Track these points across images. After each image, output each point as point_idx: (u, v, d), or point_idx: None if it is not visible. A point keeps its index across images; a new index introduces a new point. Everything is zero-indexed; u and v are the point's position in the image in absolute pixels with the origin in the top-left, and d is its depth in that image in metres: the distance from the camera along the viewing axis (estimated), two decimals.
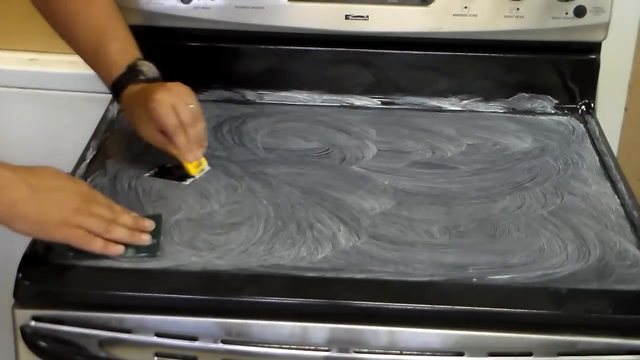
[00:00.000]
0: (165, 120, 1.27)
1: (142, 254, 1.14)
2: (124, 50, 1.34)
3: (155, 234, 1.18)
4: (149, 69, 1.34)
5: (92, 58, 1.35)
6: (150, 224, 1.19)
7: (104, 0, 1.37)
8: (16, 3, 1.66)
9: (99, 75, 1.36)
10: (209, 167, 1.33)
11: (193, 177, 1.31)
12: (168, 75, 1.47)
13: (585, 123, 1.52)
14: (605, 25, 1.52)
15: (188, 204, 1.26)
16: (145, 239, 1.16)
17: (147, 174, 1.32)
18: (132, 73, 1.32)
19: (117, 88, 1.33)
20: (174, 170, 1.33)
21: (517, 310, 1.10)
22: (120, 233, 1.15)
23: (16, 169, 1.12)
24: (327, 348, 1.10)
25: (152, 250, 1.15)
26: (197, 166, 1.32)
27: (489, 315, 1.10)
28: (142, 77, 1.32)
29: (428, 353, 1.10)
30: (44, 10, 1.38)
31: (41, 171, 1.13)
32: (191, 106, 1.29)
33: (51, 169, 1.14)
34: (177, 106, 1.27)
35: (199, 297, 1.11)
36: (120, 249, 1.14)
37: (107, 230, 1.14)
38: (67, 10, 1.36)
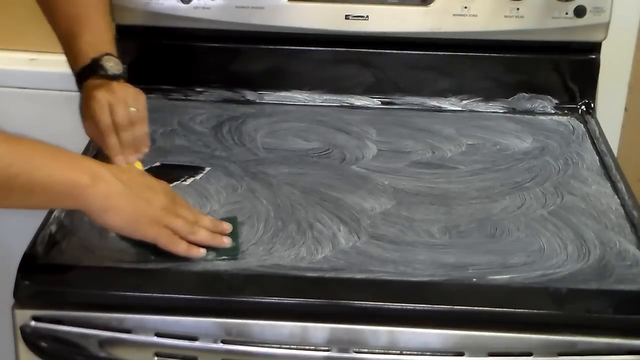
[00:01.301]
0: (99, 118, 1.26)
1: (224, 257, 1.14)
2: (93, 43, 1.32)
3: (233, 236, 1.17)
4: (114, 65, 1.31)
5: (65, 46, 1.35)
6: (228, 227, 1.18)
7: None
8: (16, 3, 1.66)
9: (69, 65, 1.35)
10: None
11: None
12: (168, 75, 1.47)
13: (585, 123, 1.52)
14: (605, 25, 1.52)
15: (188, 204, 1.26)
16: (227, 242, 1.16)
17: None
18: (94, 67, 1.30)
19: (79, 79, 1.32)
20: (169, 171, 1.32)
21: (517, 310, 1.10)
22: (203, 236, 1.15)
23: (105, 164, 1.12)
24: (327, 348, 1.10)
25: (233, 253, 1.15)
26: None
27: (489, 315, 1.10)
28: (102, 73, 1.30)
29: (428, 353, 1.10)
30: (41, 2, 1.38)
31: (127, 169, 1.14)
32: (132, 109, 1.27)
33: (135, 168, 1.14)
34: (114, 106, 1.26)
35: (199, 297, 1.11)
36: (202, 251, 1.14)
37: (191, 232, 1.14)
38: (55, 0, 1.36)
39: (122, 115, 1.27)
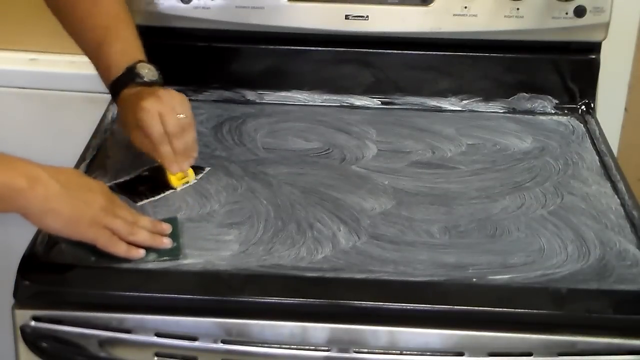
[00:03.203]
0: (151, 130, 1.25)
1: (165, 258, 1.14)
2: (125, 51, 1.32)
3: (174, 237, 1.17)
4: (149, 71, 1.32)
5: (94, 58, 1.35)
6: (168, 227, 1.18)
7: (111, 1, 1.36)
8: (16, 3, 1.66)
9: (100, 75, 1.35)
10: (196, 180, 1.31)
11: (174, 189, 1.29)
12: (168, 75, 1.47)
13: (585, 123, 1.52)
14: (605, 25, 1.52)
15: (188, 204, 1.26)
16: (167, 243, 1.16)
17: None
18: (129, 75, 1.31)
19: (114, 89, 1.32)
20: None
21: (517, 310, 1.10)
22: (142, 236, 1.15)
23: (42, 165, 1.10)
24: (327, 348, 1.10)
25: (174, 254, 1.15)
26: (180, 178, 1.30)
27: (489, 315, 1.10)
28: (139, 80, 1.30)
29: (428, 353, 1.10)
30: (55, 10, 1.38)
31: (64, 170, 1.13)
32: (181, 116, 1.27)
33: (72, 169, 1.14)
34: (164, 115, 1.25)
35: (199, 297, 1.11)
36: (142, 252, 1.14)
37: (130, 232, 1.14)
38: (75, 11, 1.35)
39: (173, 124, 1.26)
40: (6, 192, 1.06)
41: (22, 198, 1.07)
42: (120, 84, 1.31)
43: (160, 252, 1.15)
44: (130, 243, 1.14)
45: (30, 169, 1.09)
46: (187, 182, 1.30)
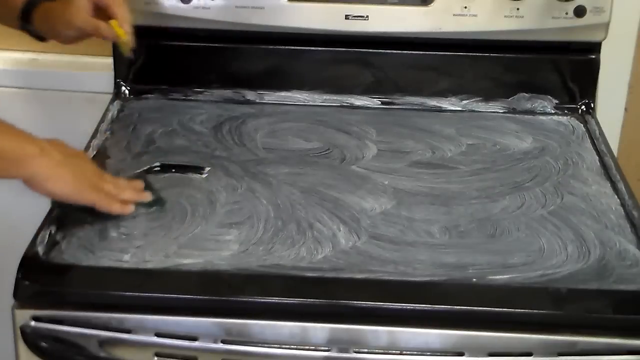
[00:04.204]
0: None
1: (153, 208, 1.24)
2: None
3: (151, 190, 1.27)
4: None
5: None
6: (141, 184, 1.28)
7: None
8: None
9: (5, 14, 1.39)
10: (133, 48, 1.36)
11: (128, 57, 1.36)
12: (168, 75, 1.47)
13: (585, 123, 1.52)
14: (605, 25, 1.52)
15: (189, 204, 1.26)
16: (148, 196, 1.26)
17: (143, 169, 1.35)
18: None
19: (29, 7, 1.36)
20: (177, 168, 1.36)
21: (517, 310, 1.10)
22: (129, 194, 1.25)
23: (41, 138, 1.17)
24: (327, 348, 1.10)
25: (160, 203, 1.25)
26: (128, 44, 1.35)
27: (489, 315, 1.10)
28: None
29: (428, 353, 1.10)
30: None
31: (55, 141, 1.20)
32: None
33: (58, 140, 1.21)
34: None
35: (199, 297, 1.11)
36: (132, 207, 1.23)
37: (118, 192, 1.23)
38: None
39: None
40: (19, 156, 1.14)
41: (33, 164, 1.14)
42: (35, 1, 1.36)
43: (146, 205, 1.25)
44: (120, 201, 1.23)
45: (35, 139, 1.16)
46: (131, 49, 1.35)
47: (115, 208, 1.22)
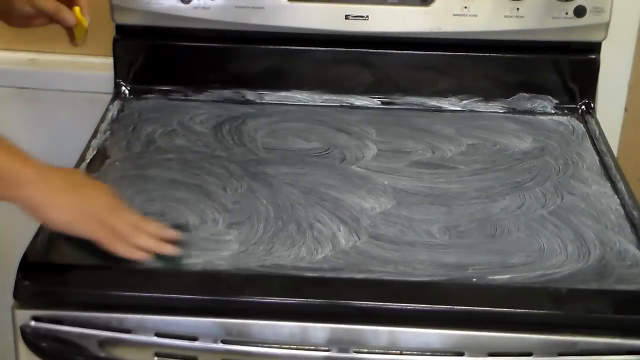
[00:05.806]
0: None
1: (169, 265, 1.13)
2: None
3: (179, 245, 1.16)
4: None
5: None
6: (174, 234, 1.16)
7: None
8: None
9: None
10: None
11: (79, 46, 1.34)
12: (168, 75, 1.47)
13: (585, 123, 1.52)
14: (605, 25, 1.52)
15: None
16: (170, 249, 1.14)
17: None
18: None
19: None
20: None
21: (517, 310, 1.10)
22: (145, 241, 1.14)
23: (50, 165, 1.12)
24: (327, 348, 1.10)
25: (177, 263, 1.13)
26: (85, 32, 1.33)
27: (489, 315, 1.10)
28: None
29: (428, 353, 1.10)
30: None
31: (72, 170, 1.16)
32: None
33: (79, 171, 1.17)
34: None
35: (199, 297, 1.11)
36: (143, 255, 1.13)
37: (133, 235, 1.13)
38: None
39: None
40: (13, 179, 1.08)
41: (29, 189, 1.08)
42: None
43: (165, 259, 1.13)
44: (133, 246, 1.13)
45: (38, 164, 1.10)
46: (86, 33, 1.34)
47: (121, 249, 1.12)
